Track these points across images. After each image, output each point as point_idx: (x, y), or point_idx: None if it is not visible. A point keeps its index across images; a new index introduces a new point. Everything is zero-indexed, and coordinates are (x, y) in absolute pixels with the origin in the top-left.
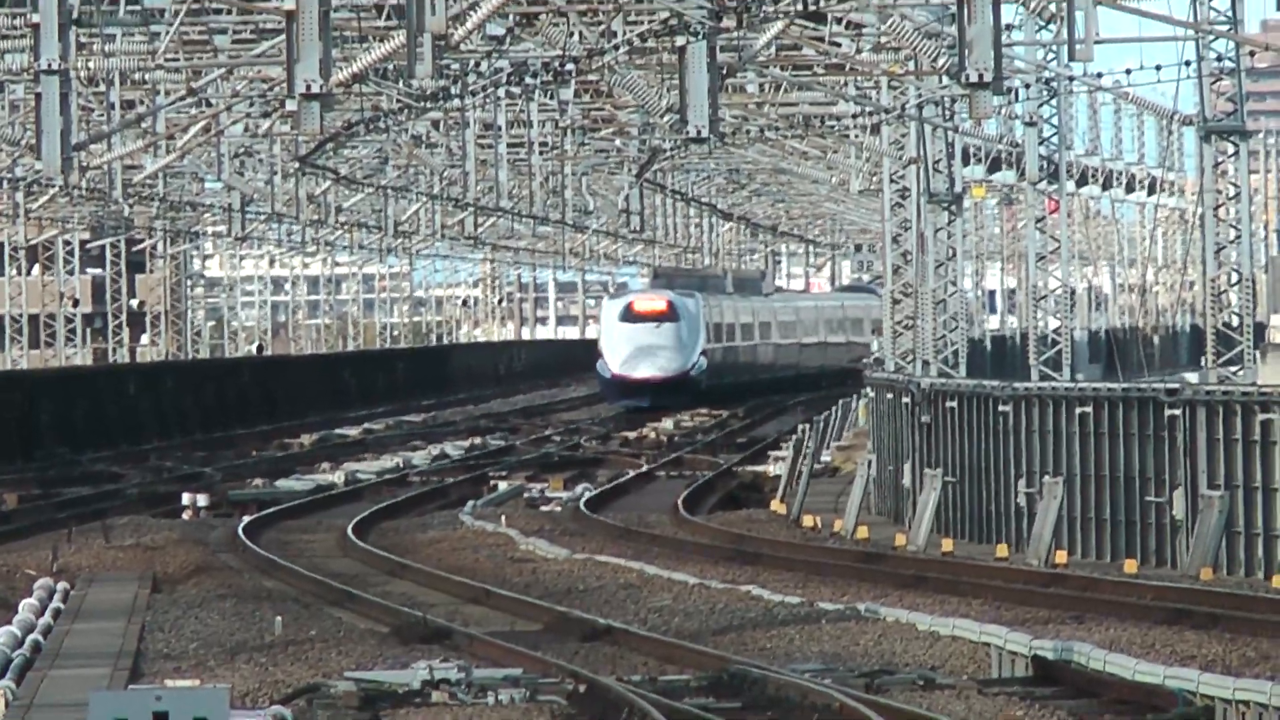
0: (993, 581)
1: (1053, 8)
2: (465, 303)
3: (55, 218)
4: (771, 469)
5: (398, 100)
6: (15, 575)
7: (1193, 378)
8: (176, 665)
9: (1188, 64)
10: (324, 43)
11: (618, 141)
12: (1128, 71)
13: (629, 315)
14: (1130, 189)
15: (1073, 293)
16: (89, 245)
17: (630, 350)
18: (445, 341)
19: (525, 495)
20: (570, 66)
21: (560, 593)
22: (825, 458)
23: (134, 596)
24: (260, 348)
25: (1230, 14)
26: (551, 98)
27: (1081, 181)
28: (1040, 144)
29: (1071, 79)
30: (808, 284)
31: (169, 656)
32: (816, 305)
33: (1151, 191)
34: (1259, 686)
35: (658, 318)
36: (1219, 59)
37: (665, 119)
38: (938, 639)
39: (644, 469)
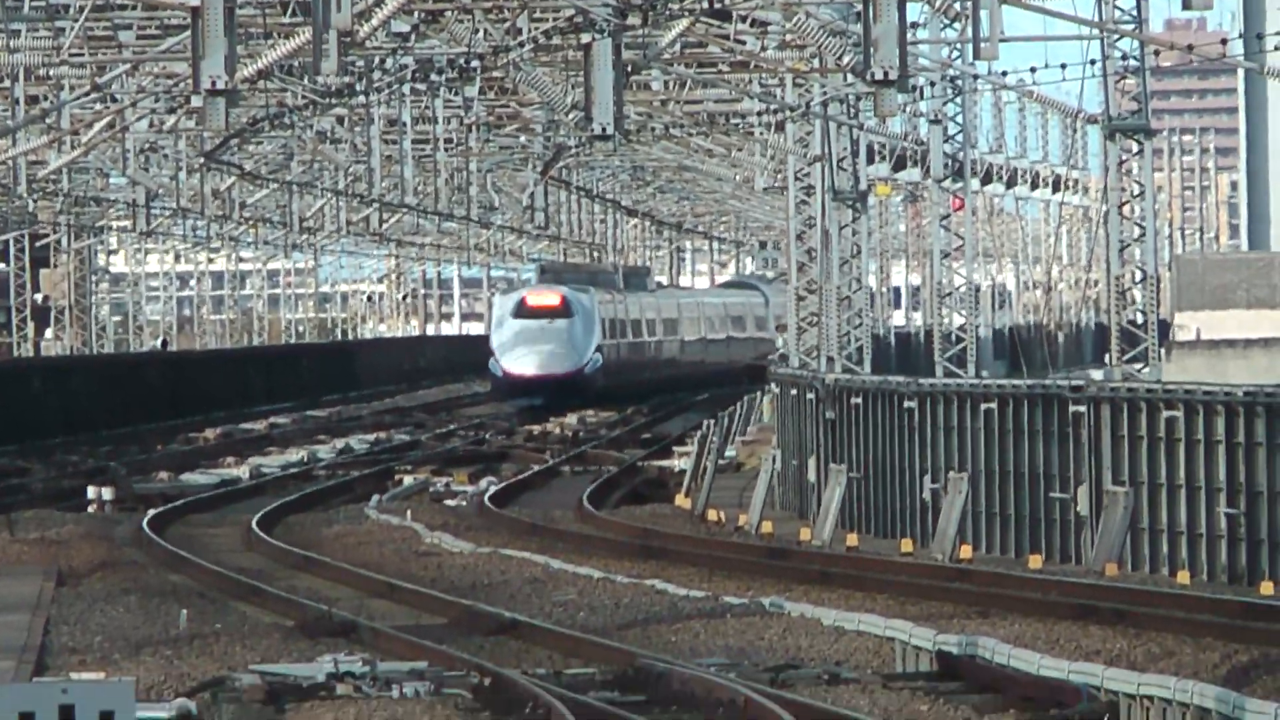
0: (897, 577)
1: (958, 6)
2: (370, 298)
3: None
4: (676, 464)
5: (303, 96)
6: None
7: (1097, 375)
8: (81, 659)
9: (1093, 63)
10: (229, 39)
11: (523, 138)
12: (1032, 70)
13: (521, 311)
14: (1035, 187)
15: (977, 290)
16: None
17: (522, 347)
18: (350, 337)
19: (430, 490)
20: (475, 63)
21: (465, 587)
22: (730, 453)
23: (39, 590)
24: (164, 343)
25: (1135, 13)
26: (456, 94)
27: (986, 179)
28: (945, 142)
29: (976, 77)
30: (713, 280)
31: (74, 650)
32: (699, 302)
33: (1056, 189)
34: (1163, 682)
35: (551, 313)
36: (1124, 58)
37: (570, 116)
38: (842, 634)
39: (549, 464)
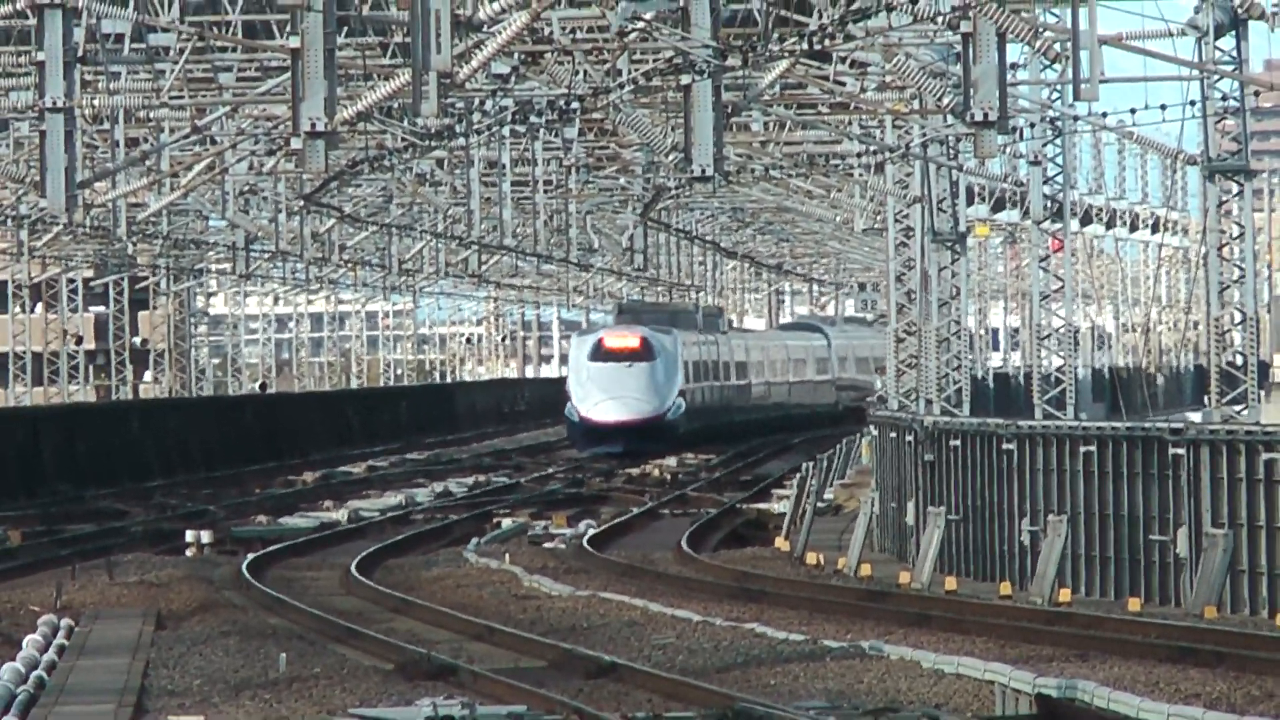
0: (997, 619)
1: (1058, 47)
2: (469, 340)
3: (59, 255)
4: (775, 506)
5: (402, 139)
6: (19, 612)
7: (1196, 417)
8: (181, 702)
9: (1192, 104)
10: (329, 81)
11: (622, 180)
12: (1132, 111)
13: (600, 354)
14: (1134, 228)
15: (1076, 331)
16: (93, 283)
17: (601, 392)
18: (449, 379)
19: (529, 533)
20: (575, 105)
21: (564, 630)
22: (829, 495)
23: (138, 633)
24: (264, 385)
25: (1235, 54)
26: (556, 136)
27: (1085, 220)
28: (1044, 183)
29: (1076, 118)
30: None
31: (173, 693)
32: (769, 344)
33: (1155, 230)
34: None
35: (631, 356)
36: (1224, 99)
37: (670, 157)
38: (942, 677)
39: (648, 506)
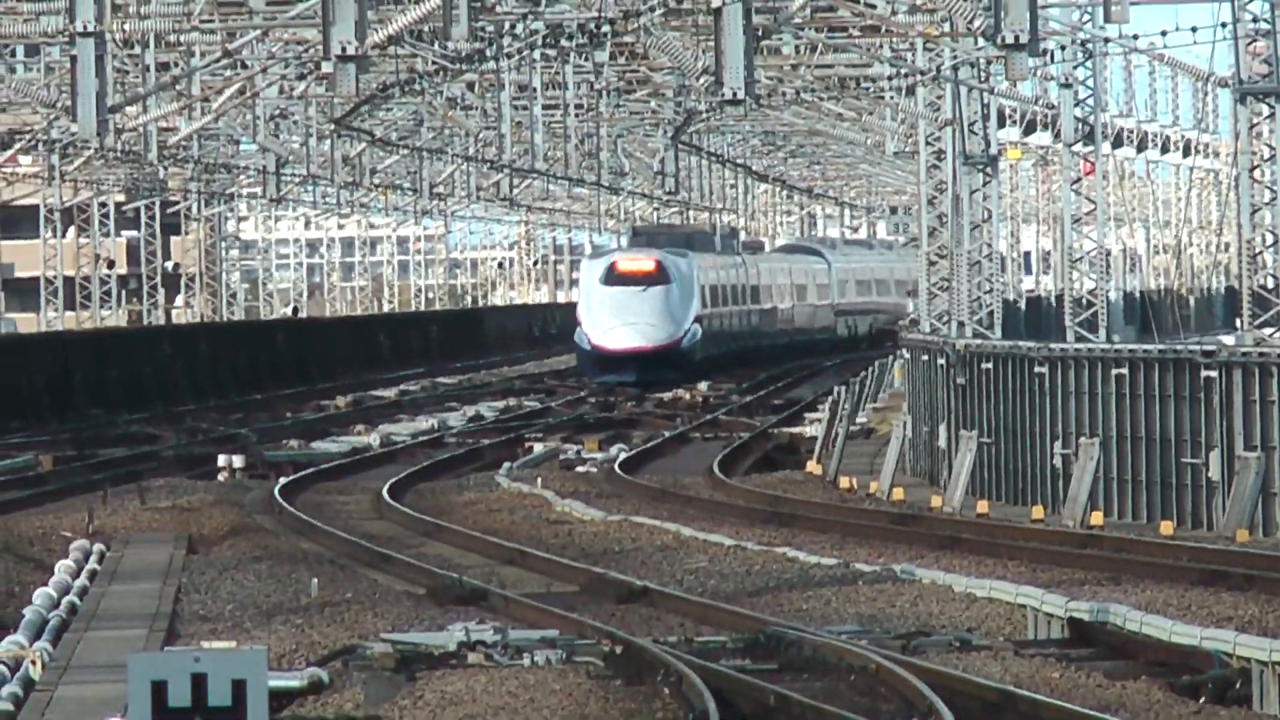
0: (1028, 543)
1: None
2: (500, 265)
3: (90, 180)
4: (808, 430)
5: (433, 62)
6: (51, 537)
7: (1228, 339)
8: (212, 627)
9: (1223, 25)
10: (360, 4)
11: (653, 103)
12: (1163, 33)
13: (612, 277)
14: (1165, 150)
15: (1108, 254)
16: (124, 207)
17: (613, 317)
18: (480, 303)
19: (561, 457)
20: (606, 28)
21: (596, 554)
22: (861, 419)
23: (170, 558)
24: (295, 310)
25: None
26: (587, 59)
27: (1117, 143)
28: (1076, 105)
29: (1107, 40)
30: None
31: (205, 618)
32: (777, 268)
33: (1186, 153)
34: None
35: (645, 279)
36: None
37: (701, 81)
38: (974, 600)
39: (679, 430)
